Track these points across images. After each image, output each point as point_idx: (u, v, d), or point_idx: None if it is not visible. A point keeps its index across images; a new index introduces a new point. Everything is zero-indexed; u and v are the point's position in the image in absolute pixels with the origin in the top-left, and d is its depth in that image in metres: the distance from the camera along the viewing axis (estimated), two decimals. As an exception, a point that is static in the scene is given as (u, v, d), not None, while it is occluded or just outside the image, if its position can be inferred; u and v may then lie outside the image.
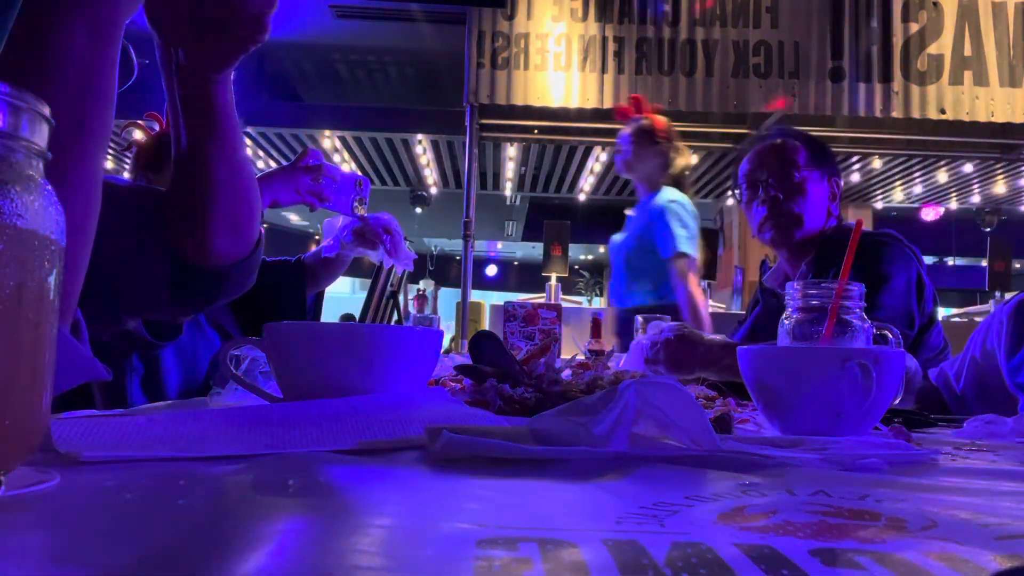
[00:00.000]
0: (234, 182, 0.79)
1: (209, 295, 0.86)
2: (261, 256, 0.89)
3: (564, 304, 3.98)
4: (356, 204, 1.64)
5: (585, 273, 9.36)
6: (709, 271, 4.17)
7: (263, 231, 0.89)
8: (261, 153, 6.30)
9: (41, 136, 0.37)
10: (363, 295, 1.54)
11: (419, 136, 6.04)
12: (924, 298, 1.60)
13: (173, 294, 0.83)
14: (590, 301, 7.43)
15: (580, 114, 4.79)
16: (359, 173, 1.72)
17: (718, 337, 1.44)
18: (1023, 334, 1.18)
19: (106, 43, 0.62)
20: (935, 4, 4.64)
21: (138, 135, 1.82)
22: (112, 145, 0.70)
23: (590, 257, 12.56)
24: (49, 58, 0.59)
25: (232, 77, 0.77)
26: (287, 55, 5.37)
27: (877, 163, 6.17)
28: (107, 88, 0.64)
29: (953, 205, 7.57)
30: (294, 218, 9.82)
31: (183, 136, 0.77)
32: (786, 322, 0.82)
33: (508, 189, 7.54)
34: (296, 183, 1.61)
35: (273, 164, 6.57)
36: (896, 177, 6.62)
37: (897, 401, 0.79)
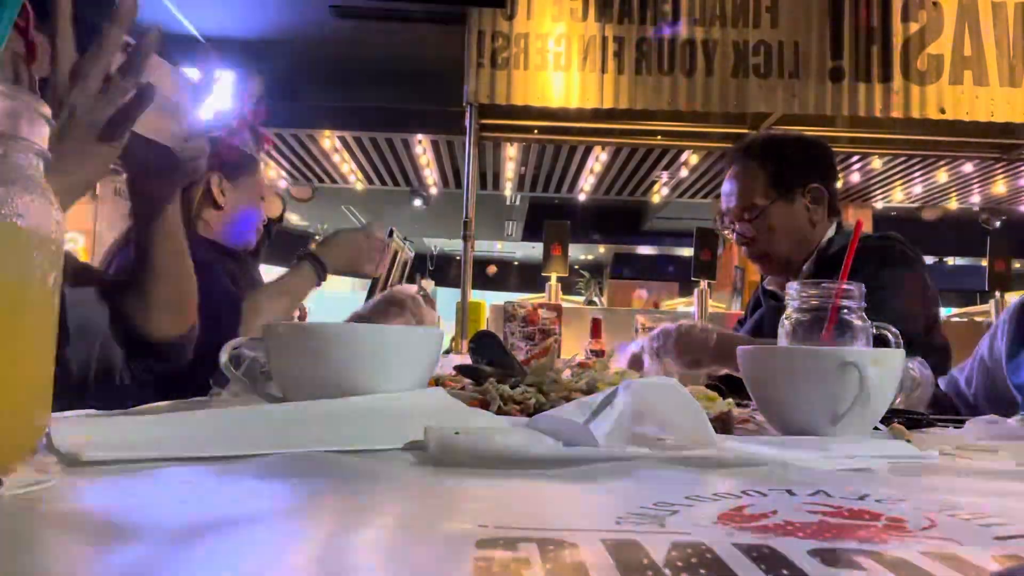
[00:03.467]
0: (175, 272, 1.01)
1: (152, 365, 1.05)
2: (195, 337, 1.07)
3: (564, 304, 3.98)
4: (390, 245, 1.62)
5: (585, 273, 9.35)
6: (709, 271, 4.15)
7: (198, 322, 1.07)
8: (261, 153, 6.29)
9: (41, 136, 0.37)
10: (363, 295, 1.54)
11: (419, 136, 6.02)
12: (927, 300, 1.60)
13: (126, 361, 1.03)
14: (593, 301, 7.41)
15: (580, 114, 4.78)
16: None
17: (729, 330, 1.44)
18: (1023, 335, 1.18)
19: None
20: (935, 4, 4.63)
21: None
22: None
23: (590, 257, 12.55)
24: None
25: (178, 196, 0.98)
26: (287, 55, 5.37)
27: (877, 163, 6.16)
28: None
29: (953, 205, 7.56)
30: (294, 218, 9.81)
31: (140, 236, 0.98)
32: (786, 322, 0.82)
33: (508, 189, 7.53)
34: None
35: (273, 164, 6.56)
36: (896, 177, 6.61)
37: (899, 402, 0.79)
